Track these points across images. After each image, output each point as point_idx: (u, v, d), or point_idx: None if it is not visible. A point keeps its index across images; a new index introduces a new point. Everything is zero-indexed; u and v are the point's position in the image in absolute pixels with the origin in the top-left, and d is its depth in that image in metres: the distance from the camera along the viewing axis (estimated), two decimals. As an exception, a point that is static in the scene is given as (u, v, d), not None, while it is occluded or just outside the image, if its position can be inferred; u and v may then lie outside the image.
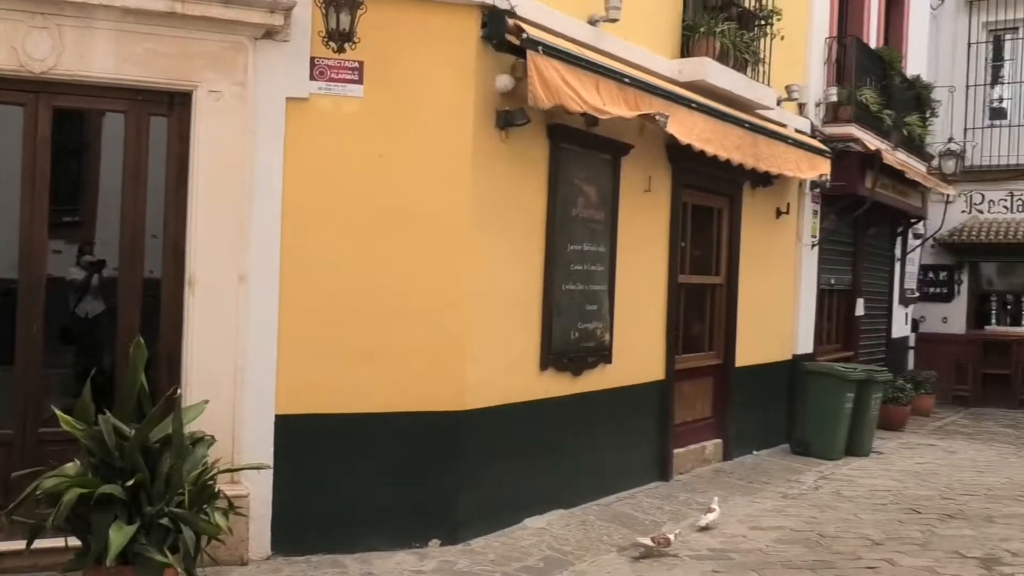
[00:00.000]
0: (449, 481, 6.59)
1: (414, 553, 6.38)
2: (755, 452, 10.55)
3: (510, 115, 6.60)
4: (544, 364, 7.30)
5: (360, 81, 6.27)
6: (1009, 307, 16.90)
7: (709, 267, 9.91)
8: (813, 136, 10.87)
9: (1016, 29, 17.04)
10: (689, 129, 7.94)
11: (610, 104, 6.90)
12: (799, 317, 11.32)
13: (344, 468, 6.34)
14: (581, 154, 7.54)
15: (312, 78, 6.17)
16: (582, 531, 7.17)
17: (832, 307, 12.75)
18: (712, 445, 9.89)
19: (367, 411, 6.37)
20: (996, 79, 17.34)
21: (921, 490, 9.30)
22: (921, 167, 14.02)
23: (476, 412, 6.67)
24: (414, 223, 6.41)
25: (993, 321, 16.95)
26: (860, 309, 13.22)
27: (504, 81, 6.55)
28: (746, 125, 8.85)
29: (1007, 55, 17.25)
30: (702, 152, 8.18)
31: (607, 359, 7.99)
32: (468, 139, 6.46)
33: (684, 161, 8.74)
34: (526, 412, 7.14)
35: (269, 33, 6.00)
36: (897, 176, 12.58)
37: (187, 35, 5.84)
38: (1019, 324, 16.73)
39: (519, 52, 6.40)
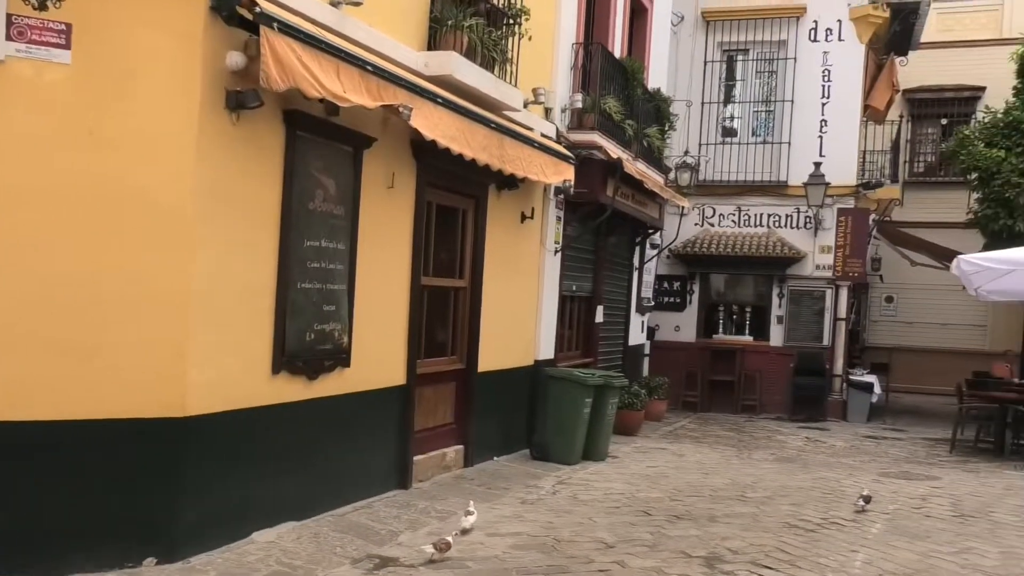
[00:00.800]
0: (166, 494, 6.00)
1: (125, 574, 5.77)
2: (496, 458, 10.46)
3: (242, 96, 6.09)
4: (276, 367, 6.81)
5: (67, 46, 5.59)
6: (735, 317, 17.89)
7: (453, 270, 9.72)
8: (558, 141, 10.95)
9: (747, 51, 18.13)
10: (434, 125, 7.70)
11: (351, 92, 6.53)
12: (541, 323, 11.38)
13: (41, 484, 5.62)
14: (320, 144, 7.12)
15: (9, 38, 5.43)
16: (314, 544, 6.74)
17: (573, 314, 12.94)
18: (454, 451, 9.70)
19: (72, 418, 5.68)
20: (728, 98, 18.36)
21: (652, 492, 9.51)
22: (659, 179, 14.54)
23: (199, 419, 6.11)
24: (130, 209, 5.80)
25: (720, 330, 17.90)
26: (600, 316, 13.51)
27: (235, 58, 6.04)
28: (493, 125, 8.73)
29: (738, 75, 18.31)
30: (447, 150, 7.97)
31: (345, 362, 7.59)
32: (193, 119, 5.90)
33: (429, 159, 8.50)
34: (256, 418, 6.63)
35: (-46, -17, 5.24)
36: (637, 186, 12.95)
37: None
38: (743, 333, 17.75)
39: (253, 28, 5.92)
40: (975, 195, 19.57)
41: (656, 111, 14.41)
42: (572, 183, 10.63)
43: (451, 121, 7.99)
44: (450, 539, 6.65)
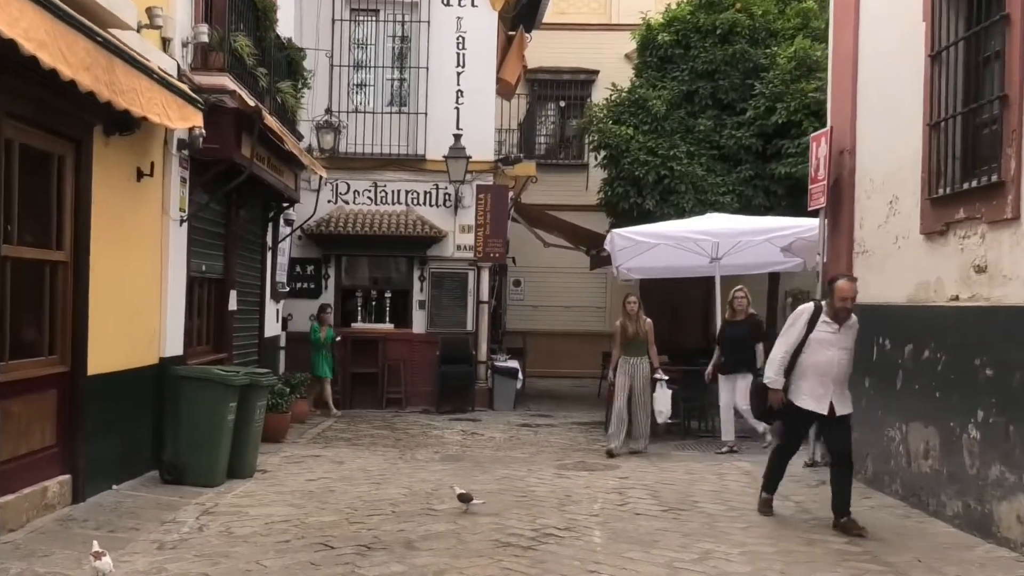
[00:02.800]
0: None
1: None
2: (117, 486, 8.02)
3: None
4: None
5: None
6: (374, 303, 16.32)
7: (48, 238, 7.18)
8: (180, 81, 8.67)
9: (377, 11, 16.58)
10: (15, 20, 5.28)
11: None
12: (167, 311, 9.03)
13: None
14: None
15: None
16: None
17: (203, 300, 10.62)
18: (58, 484, 7.15)
19: None
20: (360, 62, 16.69)
21: (325, 515, 7.61)
22: (296, 142, 12.56)
23: None
24: None
25: (359, 318, 16.24)
26: (233, 303, 11.30)
27: None
28: (99, 39, 6.38)
29: (370, 38, 16.70)
30: (35, 63, 5.56)
31: None
32: None
33: (8, 76, 6.01)
34: None
35: None
36: (274, 149, 10.93)
37: None
38: (384, 321, 16.23)
39: None
40: (604, 174, 19.65)
41: (289, 64, 12.42)
42: (203, 131, 8.45)
43: (41, 20, 5.58)
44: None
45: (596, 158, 19.23)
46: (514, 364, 16.92)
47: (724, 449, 11.46)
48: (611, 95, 18.64)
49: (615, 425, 11.40)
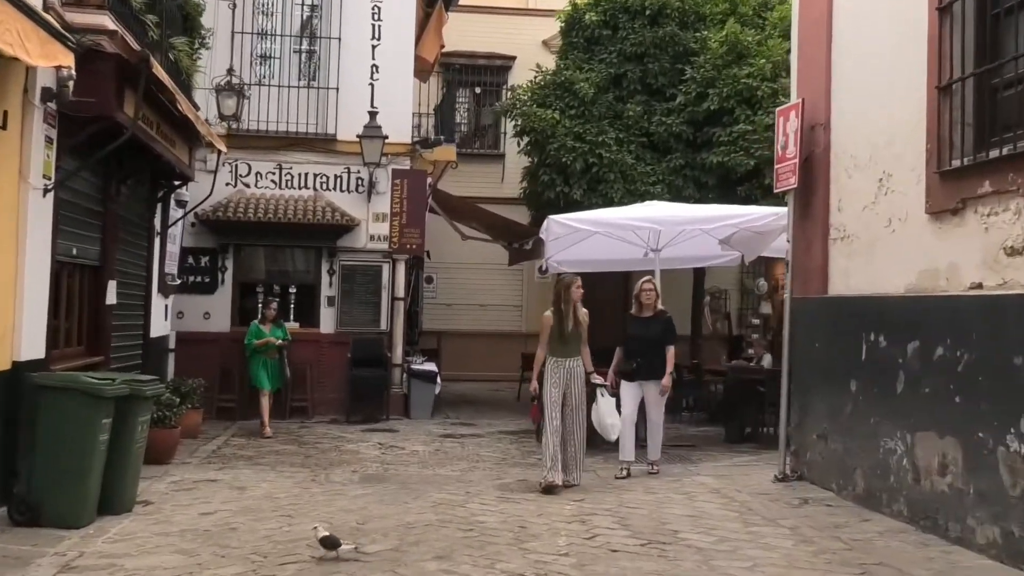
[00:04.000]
0: None
1: None
2: (-55, 532, 6.24)
3: None
4: None
5: None
6: (277, 299, 14.51)
7: None
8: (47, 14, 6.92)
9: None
10: None
11: None
12: (24, 303, 7.18)
13: None
14: None
15: None
16: None
17: (74, 291, 8.78)
18: None
19: None
20: (264, 29, 14.90)
21: (226, 566, 5.92)
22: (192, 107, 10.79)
23: None
24: None
25: (260, 316, 14.46)
26: (112, 296, 9.49)
27: None
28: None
29: (276, 5, 14.94)
30: None
31: None
32: None
33: None
34: None
35: None
36: (164, 112, 9.20)
37: None
38: (288, 319, 14.43)
39: None
40: (526, 163, 18.33)
41: (184, 18, 10.66)
42: (72, 74, 6.73)
43: None
44: None
45: (519, 144, 17.86)
46: (432, 367, 15.40)
47: (623, 472, 9.36)
48: (536, 77, 17.31)
49: (552, 450, 8.63)
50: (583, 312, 8.99)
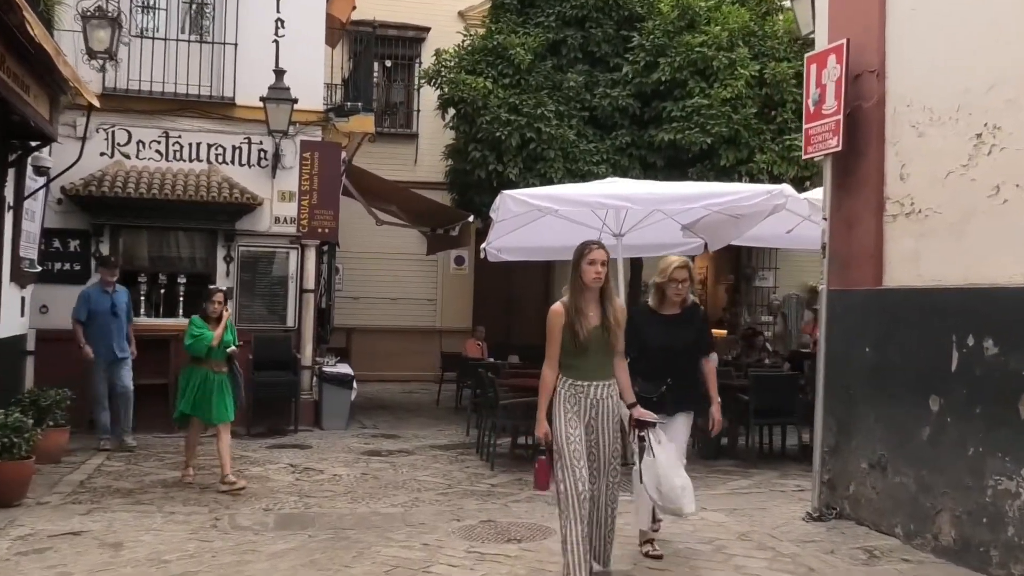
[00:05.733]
0: None
1: None
2: None
3: None
4: None
5: None
6: (163, 290, 12.27)
7: None
8: None
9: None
10: None
11: None
12: None
13: None
14: None
15: None
16: None
17: None
18: None
19: None
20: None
21: None
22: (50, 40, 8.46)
23: None
24: None
25: (143, 310, 12.16)
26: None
27: None
28: None
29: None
30: None
31: None
32: None
33: None
34: None
35: None
36: (12, 44, 6.94)
37: None
38: (177, 314, 12.20)
39: None
40: (451, 140, 16.43)
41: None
42: None
43: None
44: None
45: (444, 117, 15.90)
46: (347, 370, 13.32)
47: (655, 551, 6.19)
48: (463, 41, 15.40)
49: (577, 539, 5.19)
50: (619, 304, 5.58)
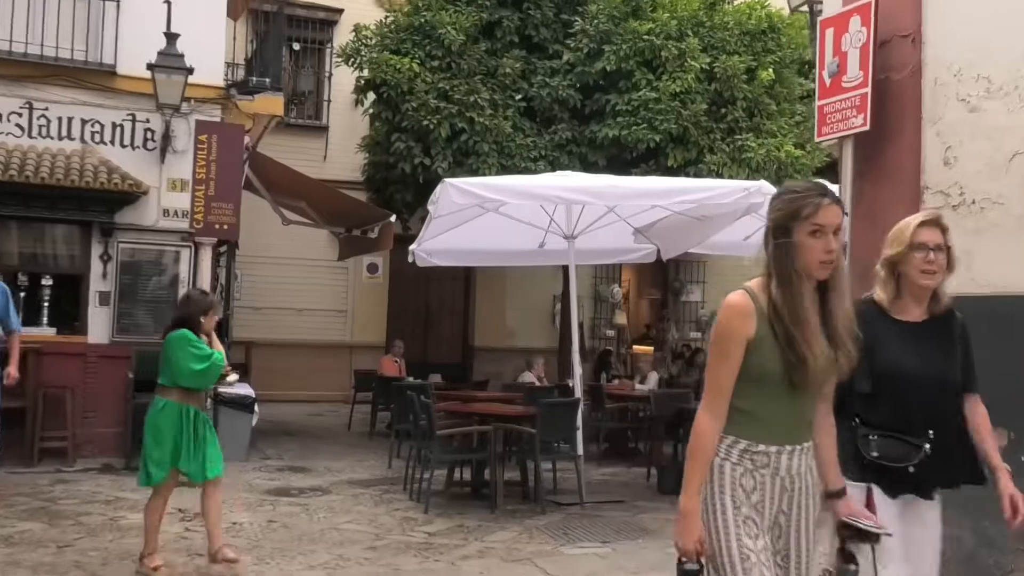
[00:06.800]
0: None
1: None
2: None
3: None
4: None
5: None
6: (24, 294, 10.13)
7: None
8: None
9: None
10: None
11: None
12: None
13: None
14: None
15: None
16: None
17: None
18: None
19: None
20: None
21: None
22: None
23: None
24: None
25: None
26: None
27: None
28: None
29: None
30: None
31: None
32: None
33: None
34: None
35: None
36: None
37: None
38: (40, 324, 10.11)
39: None
40: (368, 131, 14.72)
41: None
42: None
43: None
44: None
45: (362, 103, 14.15)
46: (247, 391, 11.40)
47: None
48: (386, 17, 13.70)
49: None
50: (849, 308, 3.02)
